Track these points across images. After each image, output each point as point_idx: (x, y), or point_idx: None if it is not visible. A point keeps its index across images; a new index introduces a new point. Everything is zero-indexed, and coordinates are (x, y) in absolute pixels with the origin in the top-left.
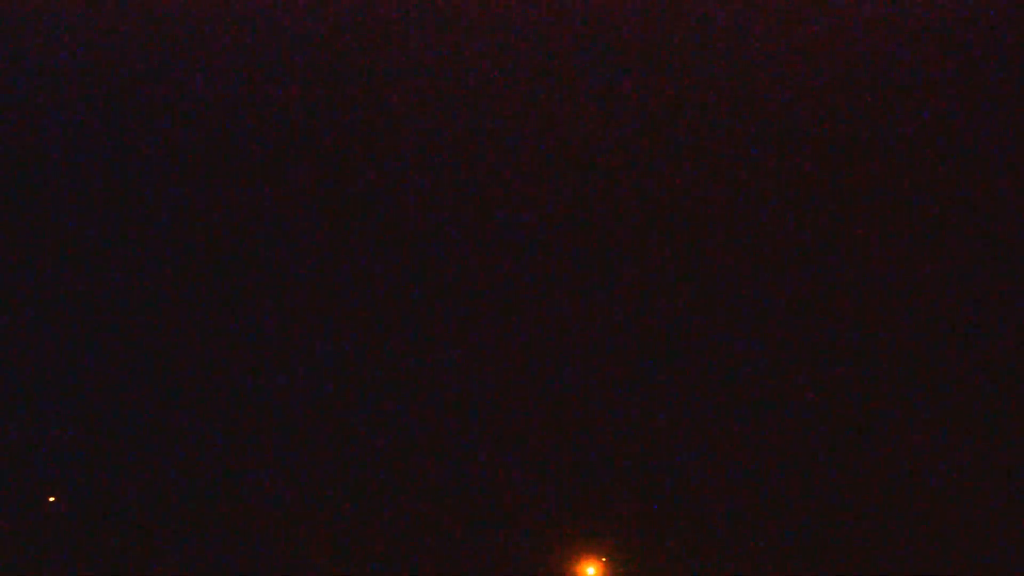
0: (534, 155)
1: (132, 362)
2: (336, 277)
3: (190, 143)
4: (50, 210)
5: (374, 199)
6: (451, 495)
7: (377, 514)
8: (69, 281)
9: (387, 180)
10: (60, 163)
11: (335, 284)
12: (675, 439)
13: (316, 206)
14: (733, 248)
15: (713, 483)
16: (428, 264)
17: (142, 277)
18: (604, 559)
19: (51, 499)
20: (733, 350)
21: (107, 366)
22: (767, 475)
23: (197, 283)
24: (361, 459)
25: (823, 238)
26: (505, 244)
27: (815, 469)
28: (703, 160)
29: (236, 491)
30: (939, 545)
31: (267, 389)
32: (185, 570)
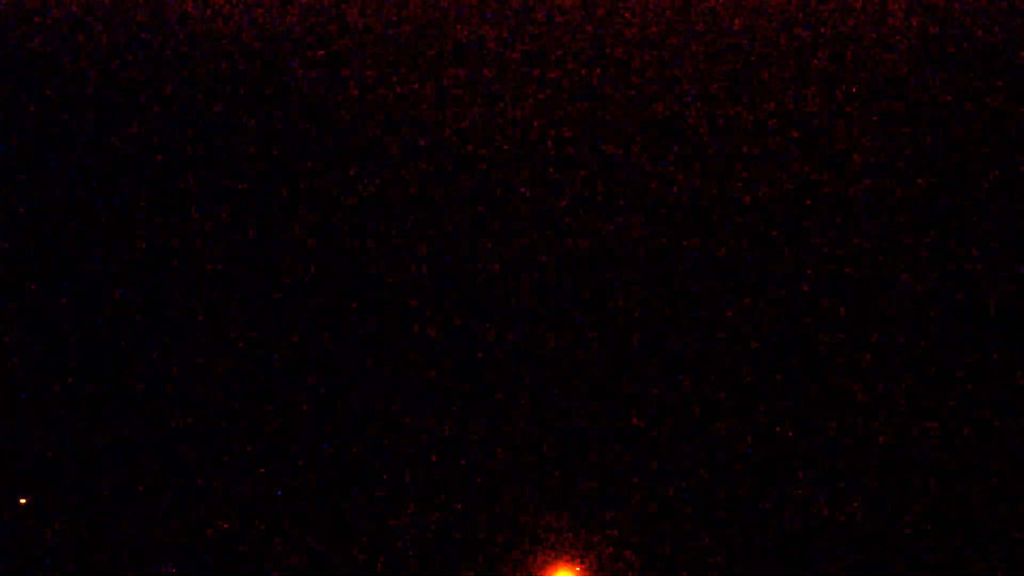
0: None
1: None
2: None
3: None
4: (48, 210)
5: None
6: (424, 498)
7: (347, 519)
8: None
9: (386, 180)
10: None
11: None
12: (658, 443)
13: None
14: (714, 245)
15: (698, 487)
16: (400, 264)
17: (133, 277)
18: (580, 568)
19: (22, 500)
20: (718, 349)
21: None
22: (755, 479)
23: (190, 282)
24: (331, 463)
25: (821, 238)
26: (485, 241)
27: (804, 472)
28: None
29: (210, 491)
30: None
31: (245, 389)
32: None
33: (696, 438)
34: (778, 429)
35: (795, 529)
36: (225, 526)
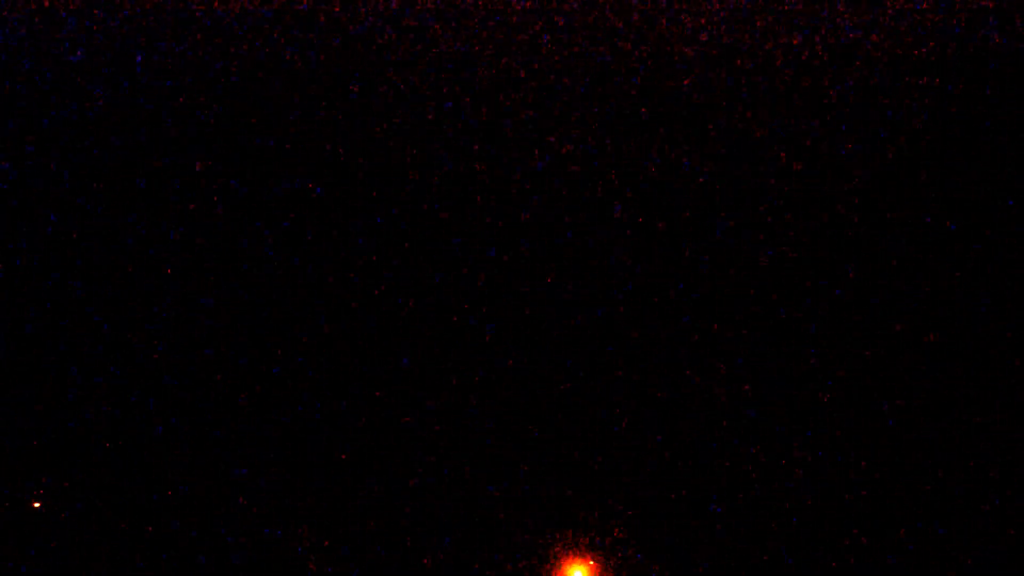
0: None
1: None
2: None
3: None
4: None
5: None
6: (438, 495)
7: (359, 518)
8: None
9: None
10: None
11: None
12: (672, 439)
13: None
14: (719, 248)
15: (710, 481)
16: (403, 266)
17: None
18: (593, 561)
19: (36, 504)
20: (729, 346)
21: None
22: (765, 475)
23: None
24: (341, 462)
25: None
26: (484, 242)
27: (814, 468)
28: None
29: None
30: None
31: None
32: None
33: (710, 434)
34: (792, 427)
35: (806, 526)
36: (231, 525)
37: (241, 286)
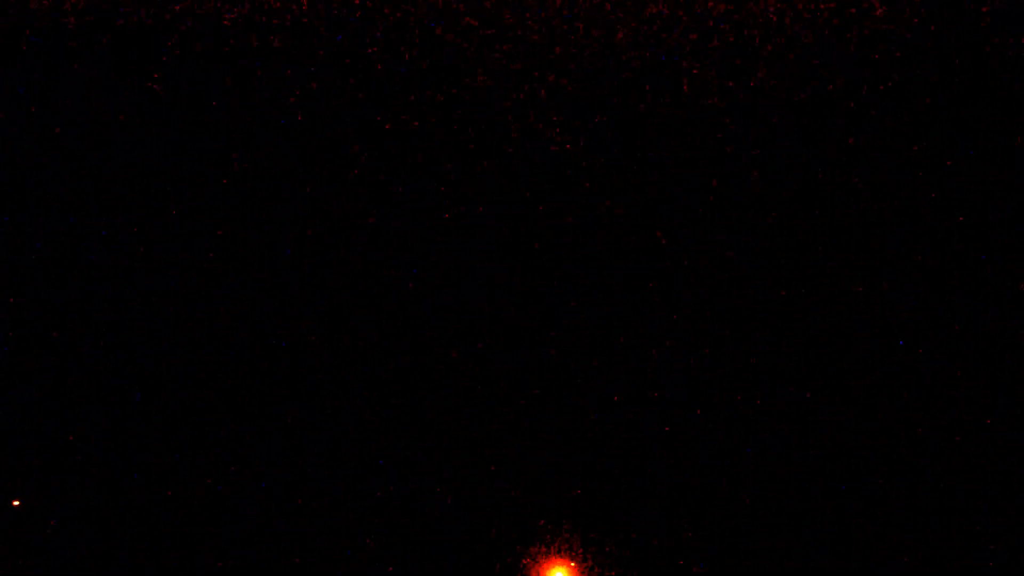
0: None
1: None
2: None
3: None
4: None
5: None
6: (416, 496)
7: (338, 518)
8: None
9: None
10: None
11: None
12: (655, 439)
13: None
14: (709, 247)
15: (694, 482)
16: (387, 270)
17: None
18: (574, 563)
19: (15, 502)
20: (716, 345)
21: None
22: (753, 476)
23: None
24: (322, 462)
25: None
26: (478, 246)
27: (803, 470)
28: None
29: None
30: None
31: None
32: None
33: (694, 434)
34: (778, 427)
35: (795, 528)
36: (224, 526)
37: (240, 286)
